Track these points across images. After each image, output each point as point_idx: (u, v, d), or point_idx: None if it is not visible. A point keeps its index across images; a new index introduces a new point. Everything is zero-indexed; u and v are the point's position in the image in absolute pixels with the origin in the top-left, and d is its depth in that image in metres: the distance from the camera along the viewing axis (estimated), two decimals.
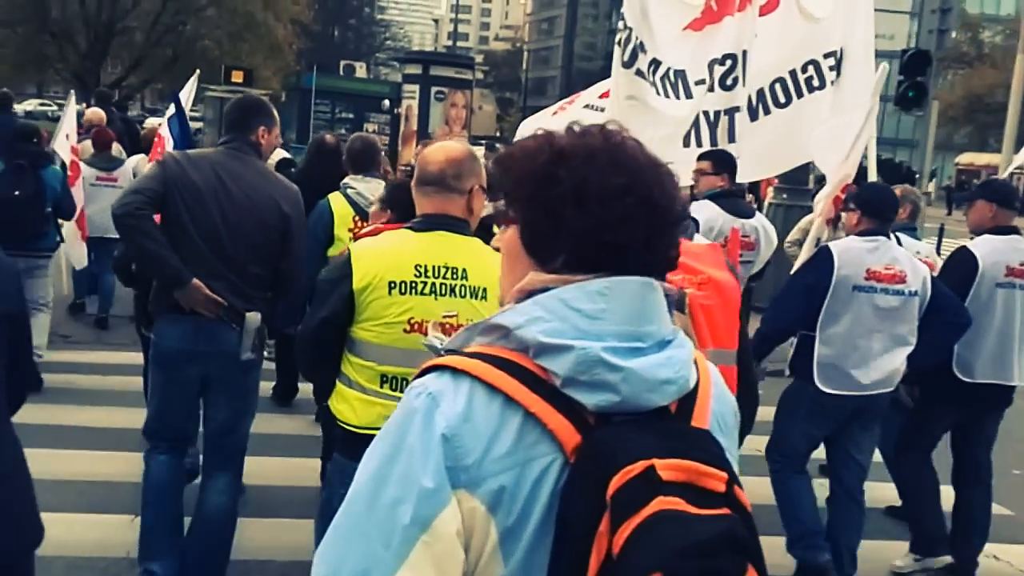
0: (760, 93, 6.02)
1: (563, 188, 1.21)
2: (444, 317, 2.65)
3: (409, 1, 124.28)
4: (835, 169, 5.41)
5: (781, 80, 6.01)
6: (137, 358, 6.20)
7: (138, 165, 9.38)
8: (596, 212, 1.20)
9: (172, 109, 7.52)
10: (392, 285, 2.88)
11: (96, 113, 10.54)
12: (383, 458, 1.17)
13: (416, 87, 21.93)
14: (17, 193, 6.92)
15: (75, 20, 35.38)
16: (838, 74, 5.87)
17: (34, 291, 7.17)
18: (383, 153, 5.73)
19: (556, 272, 1.23)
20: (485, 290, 2.88)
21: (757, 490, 4.62)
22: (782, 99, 6.03)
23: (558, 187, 1.22)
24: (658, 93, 6.14)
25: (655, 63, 6.27)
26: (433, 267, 2.86)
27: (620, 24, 6.58)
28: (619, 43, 6.48)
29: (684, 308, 2.75)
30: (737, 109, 5.74)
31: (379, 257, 2.92)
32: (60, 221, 7.70)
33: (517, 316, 1.19)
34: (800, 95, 5.96)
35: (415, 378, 1.22)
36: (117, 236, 5.95)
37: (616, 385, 1.13)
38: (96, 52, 35.50)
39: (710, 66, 5.86)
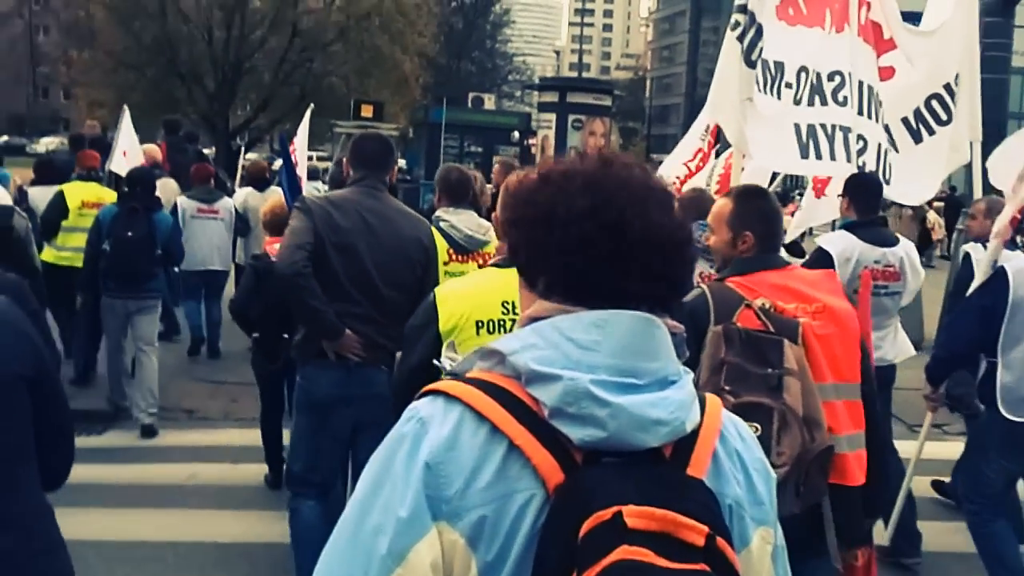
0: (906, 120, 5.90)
1: (536, 211, 1.24)
2: None
3: (532, 33, 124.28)
4: (1013, 187, 5.03)
5: (917, 111, 5.91)
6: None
7: (247, 200, 9.52)
8: (558, 235, 1.20)
9: (279, 162, 7.55)
10: (480, 324, 2.88)
11: (152, 151, 10.47)
12: (371, 483, 1.17)
13: (552, 115, 20.71)
14: (130, 235, 7.15)
15: (203, 61, 35.14)
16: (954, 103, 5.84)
17: (141, 331, 7.50)
18: (482, 184, 5.69)
19: (547, 298, 1.23)
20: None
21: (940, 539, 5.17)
22: (920, 131, 5.91)
23: (533, 210, 1.24)
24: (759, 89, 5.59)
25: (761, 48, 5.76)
26: (503, 303, 2.82)
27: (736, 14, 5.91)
28: (737, 37, 5.83)
29: (798, 339, 2.77)
30: (850, 129, 5.40)
31: (465, 297, 2.93)
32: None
33: (514, 342, 1.19)
34: (931, 131, 5.89)
35: (415, 400, 1.22)
36: (222, 268, 8.03)
37: (603, 420, 1.11)
38: (224, 93, 35.13)
39: (799, 73, 5.51)
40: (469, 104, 32.22)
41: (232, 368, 8.81)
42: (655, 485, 1.10)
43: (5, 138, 51.10)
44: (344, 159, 4.52)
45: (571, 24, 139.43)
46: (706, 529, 1.07)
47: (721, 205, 3.27)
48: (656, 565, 1.02)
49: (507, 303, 2.86)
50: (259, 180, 10.02)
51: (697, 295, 3.01)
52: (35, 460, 2.24)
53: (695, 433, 1.20)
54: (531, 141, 28.87)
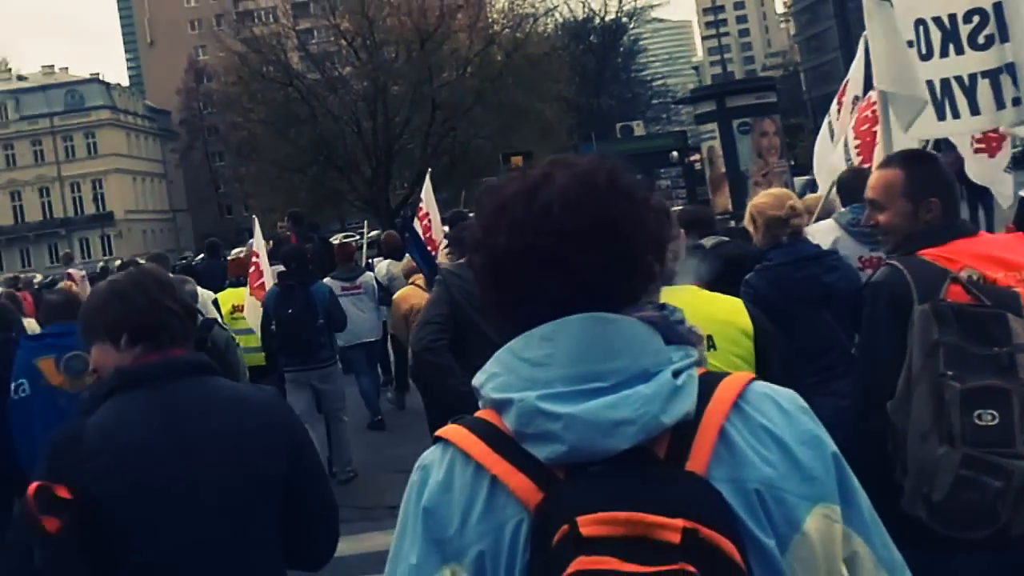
0: None
1: (493, 247, 1.24)
2: None
3: (666, 54, 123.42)
4: None
5: None
6: None
7: (388, 270, 9.96)
8: (506, 260, 1.21)
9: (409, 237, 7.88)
10: None
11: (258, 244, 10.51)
12: (397, 532, 1.21)
13: (714, 125, 19.86)
14: (290, 311, 7.49)
15: (356, 152, 37.04)
16: None
17: (329, 399, 7.81)
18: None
19: (520, 328, 1.21)
20: (710, 338, 2.39)
21: None
22: None
23: (491, 244, 1.24)
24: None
25: None
26: None
27: None
28: None
29: (1022, 311, 2.43)
30: (1000, 71, 4.74)
31: None
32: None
33: (482, 374, 1.20)
34: None
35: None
36: (372, 339, 8.50)
37: (559, 434, 1.09)
38: (380, 177, 36.86)
39: (916, 27, 4.96)
40: (619, 135, 32.25)
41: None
42: (629, 488, 1.07)
43: (201, 256, 55.34)
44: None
45: (705, 38, 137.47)
46: (681, 524, 1.03)
47: (887, 176, 2.88)
48: (620, 571, 1.01)
49: None
50: (396, 250, 10.30)
51: (888, 272, 2.70)
52: (278, 544, 2.25)
53: (696, 422, 1.15)
54: (693, 158, 28.35)
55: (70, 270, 11.99)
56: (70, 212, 75.77)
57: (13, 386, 4.56)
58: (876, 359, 2.67)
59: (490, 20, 41.59)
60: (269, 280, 8.23)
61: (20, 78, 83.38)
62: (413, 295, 7.48)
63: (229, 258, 12.15)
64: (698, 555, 1.02)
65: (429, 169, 11.54)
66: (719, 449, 1.14)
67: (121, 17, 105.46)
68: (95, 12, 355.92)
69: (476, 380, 1.21)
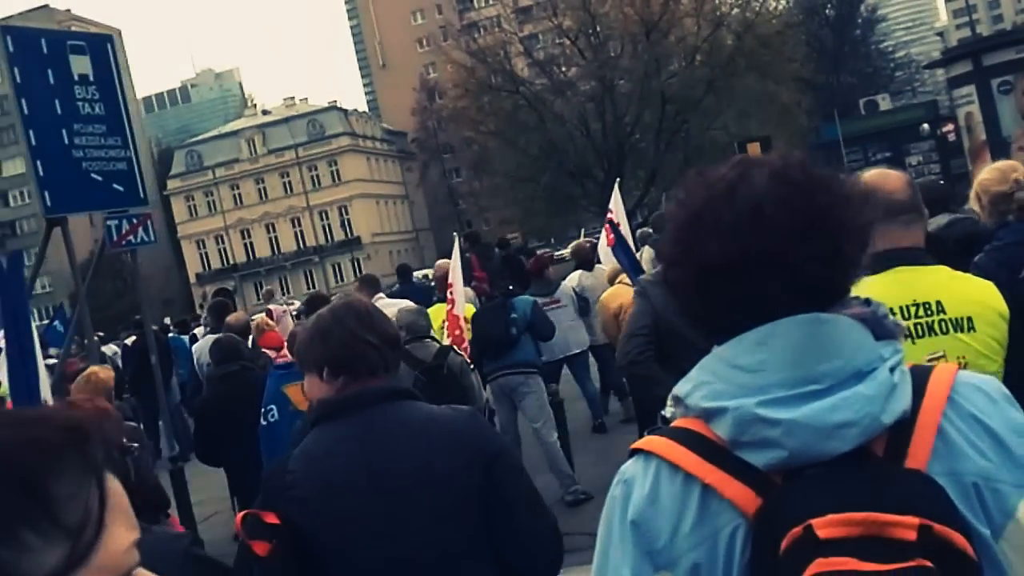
0: None
1: (705, 261, 1.21)
2: (929, 360, 2.23)
3: (907, 23, 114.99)
4: None
5: None
6: None
7: (580, 281, 9.89)
8: (721, 289, 1.19)
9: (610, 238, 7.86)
10: None
11: (442, 265, 9.92)
12: (599, 551, 1.23)
13: (971, 88, 18.00)
14: (483, 312, 7.69)
15: (587, 154, 36.27)
16: None
17: (528, 411, 7.50)
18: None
19: (726, 336, 1.21)
20: (970, 319, 2.41)
21: None
22: None
23: (687, 255, 1.23)
24: None
25: None
26: (902, 308, 2.44)
27: None
28: None
29: None
30: None
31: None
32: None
33: (687, 384, 1.21)
34: None
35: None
36: (579, 350, 8.94)
37: (779, 440, 1.10)
38: (613, 179, 35.74)
39: None
40: (862, 111, 29.81)
41: None
42: (857, 488, 1.06)
43: (578, 242, 56.20)
44: None
45: (948, 0, 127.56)
46: (916, 521, 1.02)
47: None
48: (860, 571, 1.00)
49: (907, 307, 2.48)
50: (586, 262, 10.31)
51: None
52: (488, 561, 2.26)
53: (913, 419, 1.13)
54: (945, 129, 25.82)
55: (270, 306, 12.11)
56: (321, 239, 79.93)
57: (263, 411, 4.98)
58: None
59: (717, 2, 39.61)
60: (461, 300, 7.94)
61: (265, 112, 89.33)
62: (621, 293, 7.47)
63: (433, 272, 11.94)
64: (934, 551, 1.02)
65: (618, 179, 11.33)
66: (937, 444, 1.13)
67: (355, 43, 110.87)
68: (332, 40, 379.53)
69: (680, 390, 1.20)
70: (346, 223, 79.55)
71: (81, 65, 9.15)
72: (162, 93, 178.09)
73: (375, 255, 76.85)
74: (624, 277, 7.67)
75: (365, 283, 8.74)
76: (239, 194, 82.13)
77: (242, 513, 2.16)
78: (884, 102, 32.11)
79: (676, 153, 35.47)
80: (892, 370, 1.14)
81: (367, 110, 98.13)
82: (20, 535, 0.78)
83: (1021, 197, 3.80)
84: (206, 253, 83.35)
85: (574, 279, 10.02)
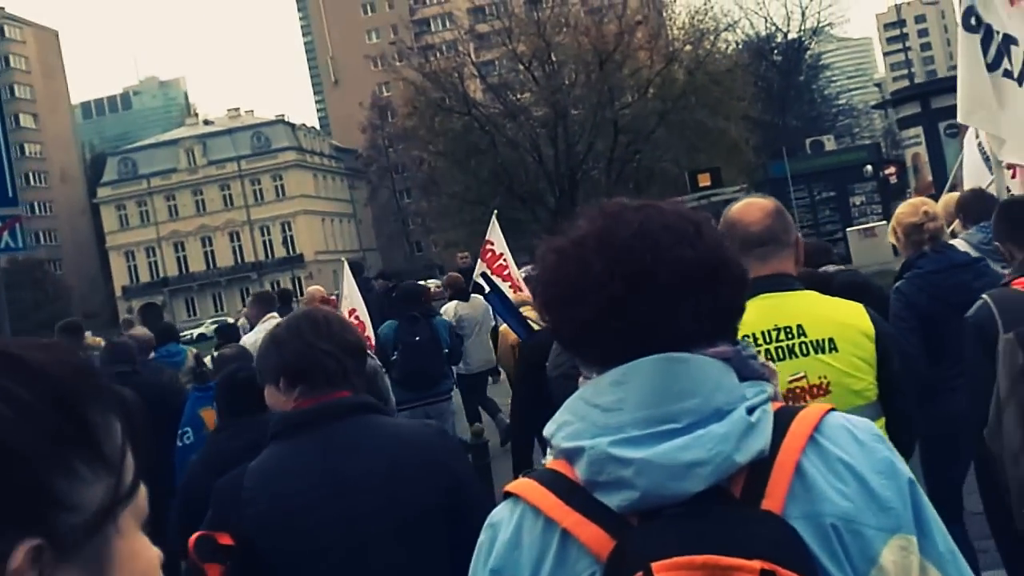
0: None
1: (560, 290, 1.21)
2: (790, 382, 2.45)
3: (848, 72, 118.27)
4: None
5: None
6: None
7: (457, 311, 9.67)
8: (587, 307, 1.16)
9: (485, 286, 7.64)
10: None
11: (318, 290, 10.14)
12: None
13: (919, 129, 18.60)
14: (417, 339, 7.56)
15: (538, 180, 36.34)
16: None
17: None
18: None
19: (596, 370, 1.19)
20: (831, 340, 2.50)
21: None
22: None
23: (557, 289, 1.22)
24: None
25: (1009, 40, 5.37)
26: (763, 333, 2.53)
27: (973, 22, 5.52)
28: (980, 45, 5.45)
29: None
30: None
31: None
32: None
33: (552, 424, 1.18)
34: None
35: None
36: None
37: (631, 480, 1.06)
38: (565, 206, 35.93)
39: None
40: (808, 151, 30.36)
41: None
42: (705, 530, 1.04)
43: (452, 272, 55.78)
44: None
45: (887, 53, 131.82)
46: (759, 565, 1.00)
47: None
48: None
49: (747, 336, 2.41)
50: (461, 291, 10.16)
51: (979, 307, 3.08)
52: None
53: (772, 459, 1.11)
54: (888, 171, 26.43)
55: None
56: (260, 255, 78.33)
57: (179, 432, 5.04)
58: (972, 390, 3.01)
59: (670, 37, 40.22)
60: (365, 316, 8.18)
61: (207, 122, 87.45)
62: None
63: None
64: None
65: (495, 211, 10.88)
66: (795, 485, 1.10)
67: (308, 59, 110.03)
68: (283, 55, 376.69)
69: (547, 430, 1.17)
70: (289, 240, 78.12)
71: None
72: (102, 99, 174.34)
73: (318, 273, 75.19)
74: (527, 309, 7.21)
75: (258, 301, 8.74)
76: (175, 205, 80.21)
77: (196, 534, 2.07)
78: (829, 143, 32.72)
79: (627, 182, 35.72)
80: (751, 410, 1.12)
81: (318, 126, 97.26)
82: (72, 463, 0.72)
83: (931, 227, 4.15)
84: (135, 265, 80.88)
85: (449, 310, 9.68)
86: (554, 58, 37.87)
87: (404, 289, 8.66)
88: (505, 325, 7.68)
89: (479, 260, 9.69)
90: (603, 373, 1.16)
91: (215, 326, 20.05)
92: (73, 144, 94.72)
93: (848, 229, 23.57)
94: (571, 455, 1.12)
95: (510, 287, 8.82)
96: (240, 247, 79.33)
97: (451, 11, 57.80)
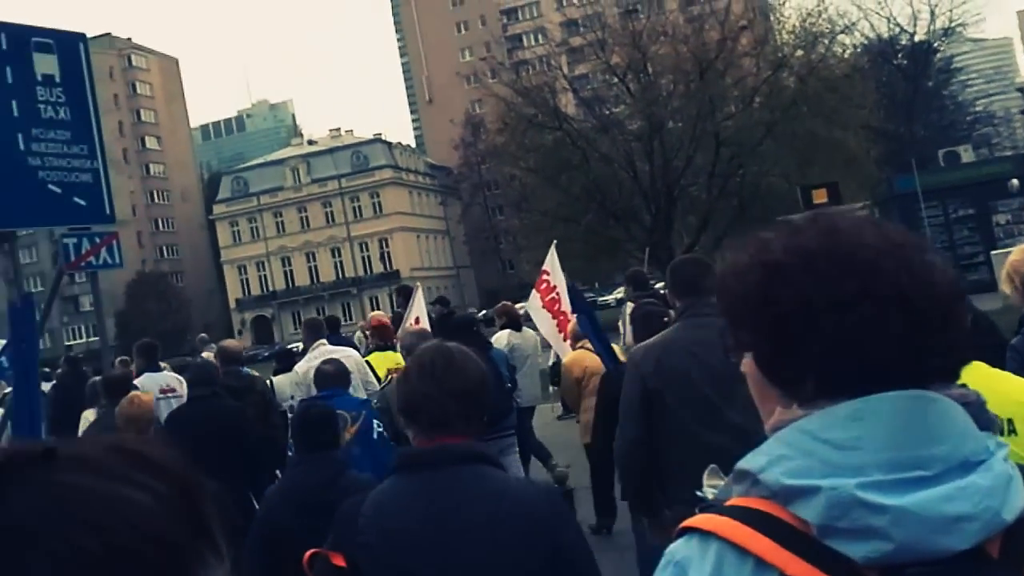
0: None
1: (782, 308, 1.07)
2: None
3: (984, 78, 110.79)
4: None
5: None
6: None
7: (508, 340, 9.48)
8: (829, 329, 1.03)
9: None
10: None
11: (377, 315, 10.88)
12: None
13: None
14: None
15: (633, 197, 33.81)
16: None
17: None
18: None
19: (809, 402, 1.07)
20: (1010, 421, 2.26)
21: None
22: None
23: (776, 307, 1.07)
24: None
25: None
26: None
27: None
28: None
29: None
30: None
31: None
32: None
33: (760, 457, 1.06)
34: None
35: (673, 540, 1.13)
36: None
37: (884, 530, 0.96)
38: (661, 223, 33.29)
39: None
40: (941, 163, 26.94)
41: None
42: None
43: (484, 311, 55.22)
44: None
45: None
46: None
47: None
48: None
49: None
50: (514, 321, 9.90)
51: None
52: None
53: None
54: None
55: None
56: (360, 271, 79.26)
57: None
58: None
59: (779, 43, 36.99)
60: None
61: (311, 142, 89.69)
62: (584, 358, 7.12)
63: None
64: None
65: (555, 241, 9.87)
66: None
67: (404, 79, 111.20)
68: (382, 76, 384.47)
69: (752, 463, 1.05)
70: (386, 256, 79.03)
71: (46, 65, 8.07)
72: (219, 122, 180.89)
73: (414, 290, 74.96)
74: (587, 342, 7.08)
75: (308, 327, 8.60)
76: (282, 222, 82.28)
77: (310, 552, 2.21)
78: (966, 154, 29.17)
79: (730, 199, 32.77)
80: (1004, 462, 1.02)
81: (413, 144, 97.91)
82: (203, 552, 0.76)
83: None
84: (247, 279, 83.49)
85: (502, 339, 9.44)
86: (650, 69, 35.25)
87: (459, 320, 8.49)
88: (569, 357, 7.53)
89: (533, 290, 9.25)
90: (815, 404, 1.05)
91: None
92: (192, 164, 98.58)
93: (992, 252, 20.31)
94: (793, 494, 0.99)
95: (557, 324, 8.66)
96: (341, 262, 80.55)
97: (543, 26, 56.13)
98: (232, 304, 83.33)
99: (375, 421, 5.46)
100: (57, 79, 8.16)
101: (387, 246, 78.95)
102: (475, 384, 2.33)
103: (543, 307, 8.99)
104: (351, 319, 64.80)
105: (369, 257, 79.68)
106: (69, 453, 0.73)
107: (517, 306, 10.83)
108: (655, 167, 33.17)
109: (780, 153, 32.55)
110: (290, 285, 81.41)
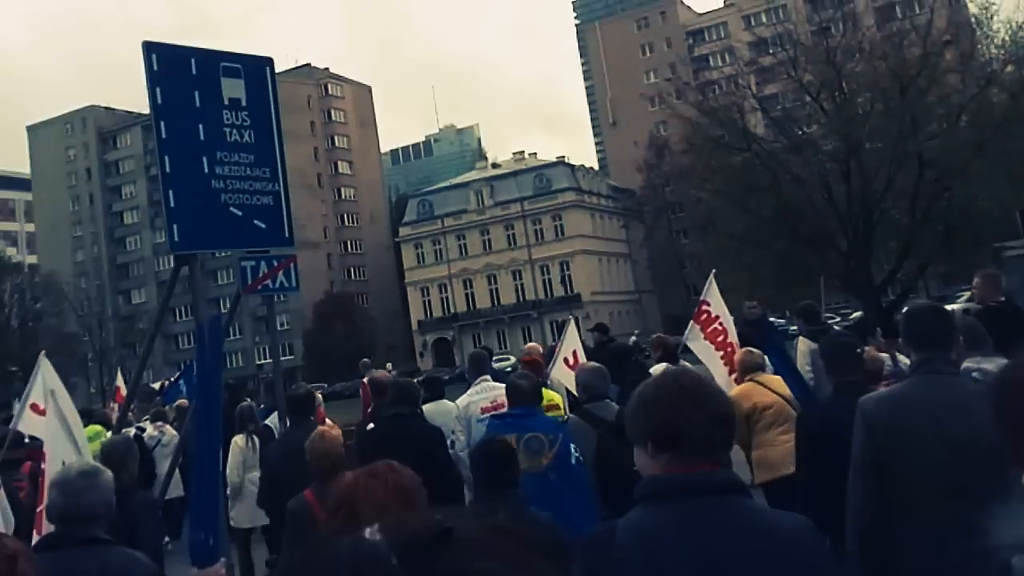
0: None
1: None
2: None
3: None
4: None
5: None
6: None
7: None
8: None
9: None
10: None
11: (534, 347, 10.62)
12: None
13: None
14: None
15: (828, 220, 32.43)
16: None
17: None
18: None
19: None
20: None
21: None
22: None
23: None
24: None
25: None
26: None
27: None
28: None
29: None
30: None
31: None
32: None
33: None
34: None
35: None
36: None
37: None
38: (859, 249, 31.76)
39: None
40: None
41: None
42: None
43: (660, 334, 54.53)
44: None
45: None
46: None
47: None
48: None
49: None
50: (670, 354, 9.61)
51: None
52: None
53: None
54: None
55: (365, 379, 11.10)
56: (540, 294, 79.80)
57: None
58: None
59: (987, 58, 34.79)
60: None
61: (495, 165, 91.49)
62: (754, 392, 6.89)
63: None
64: None
65: (714, 270, 9.84)
66: None
67: (588, 101, 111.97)
68: (566, 99, 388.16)
69: None
70: (566, 279, 79.53)
71: (233, 88, 8.18)
72: (408, 146, 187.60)
73: (594, 314, 75.14)
74: (758, 375, 7.05)
75: (474, 361, 8.35)
76: (464, 244, 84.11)
77: None
78: None
79: (935, 223, 30.95)
80: None
81: (596, 167, 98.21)
82: None
83: None
84: (429, 300, 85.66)
85: (658, 372, 8.47)
86: (846, 87, 33.81)
87: (615, 348, 8.26)
88: (737, 391, 7.10)
89: (691, 322, 8.97)
90: None
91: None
92: (381, 188, 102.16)
93: None
94: None
95: (722, 356, 8.41)
96: (522, 285, 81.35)
97: (731, 46, 55.02)
98: (414, 326, 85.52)
99: (572, 445, 5.25)
100: (243, 103, 8.25)
101: (568, 269, 79.35)
102: (730, 410, 2.29)
103: (705, 339, 8.72)
104: (530, 340, 65.44)
105: (550, 280, 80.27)
106: (462, 537, 0.73)
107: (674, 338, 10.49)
108: (852, 189, 31.72)
109: (991, 174, 30.52)
110: (471, 307, 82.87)
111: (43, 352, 7.64)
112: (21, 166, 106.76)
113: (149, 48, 7.67)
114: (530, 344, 10.48)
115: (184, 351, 76.04)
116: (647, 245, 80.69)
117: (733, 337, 8.73)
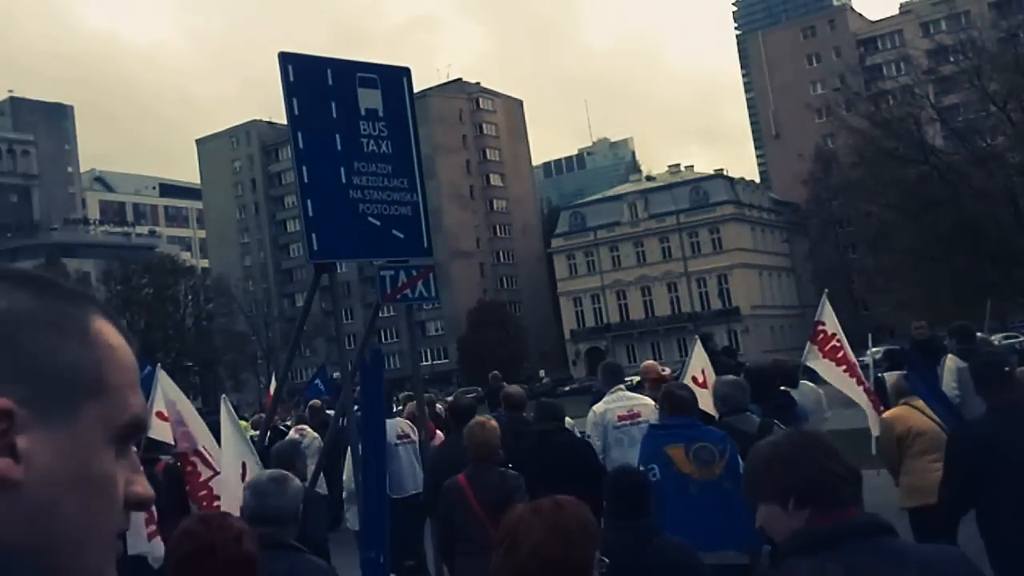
0: None
1: None
2: None
3: None
4: None
5: None
6: None
7: None
8: None
9: None
10: None
11: (653, 366, 10.17)
12: None
13: None
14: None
15: (1015, 237, 30.76)
16: None
17: None
18: None
19: None
20: None
21: None
22: None
23: None
24: None
25: None
26: None
27: None
28: None
29: None
30: None
31: None
32: None
33: None
34: None
35: None
36: None
37: None
38: None
39: None
40: None
41: None
42: None
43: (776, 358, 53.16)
44: None
45: None
46: None
47: None
48: None
49: None
50: (790, 375, 8.65)
51: None
52: None
53: None
54: None
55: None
56: (696, 307, 78.87)
57: (643, 469, 5.10)
58: None
59: None
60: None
61: (649, 178, 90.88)
62: (910, 416, 6.74)
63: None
64: None
65: (827, 290, 9.32)
66: None
67: (750, 114, 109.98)
68: (725, 112, 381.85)
69: None
70: (724, 292, 78.28)
71: (370, 99, 8.08)
72: (560, 159, 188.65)
73: (754, 328, 73.94)
74: (913, 399, 6.81)
75: (606, 371, 8.24)
76: (618, 256, 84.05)
77: None
78: None
79: None
80: None
81: (757, 180, 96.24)
82: None
83: None
84: (582, 311, 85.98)
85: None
86: None
87: (755, 370, 7.64)
88: (891, 413, 7.04)
89: (808, 344, 8.98)
90: None
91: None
92: (532, 200, 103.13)
93: None
94: None
95: (844, 371, 8.52)
96: (677, 297, 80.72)
97: (907, 54, 52.64)
98: (567, 335, 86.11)
99: (738, 455, 5.22)
100: (380, 113, 8.06)
101: (726, 282, 78.09)
102: (856, 466, 2.29)
103: (823, 357, 8.72)
104: (686, 354, 64.19)
105: (707, 293, 79.25)
106: None
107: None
108: None
109: None
110: (624, 318, 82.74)
111: (159, 364, 8.23)
112: (192, 176, 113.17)
113: (285, 59, 7.66)
114: (648, 362, 10.34)
115: (348, 352, 78.68)
116: (812, 259, 78.35)
117: (851, 356, 8.79)
